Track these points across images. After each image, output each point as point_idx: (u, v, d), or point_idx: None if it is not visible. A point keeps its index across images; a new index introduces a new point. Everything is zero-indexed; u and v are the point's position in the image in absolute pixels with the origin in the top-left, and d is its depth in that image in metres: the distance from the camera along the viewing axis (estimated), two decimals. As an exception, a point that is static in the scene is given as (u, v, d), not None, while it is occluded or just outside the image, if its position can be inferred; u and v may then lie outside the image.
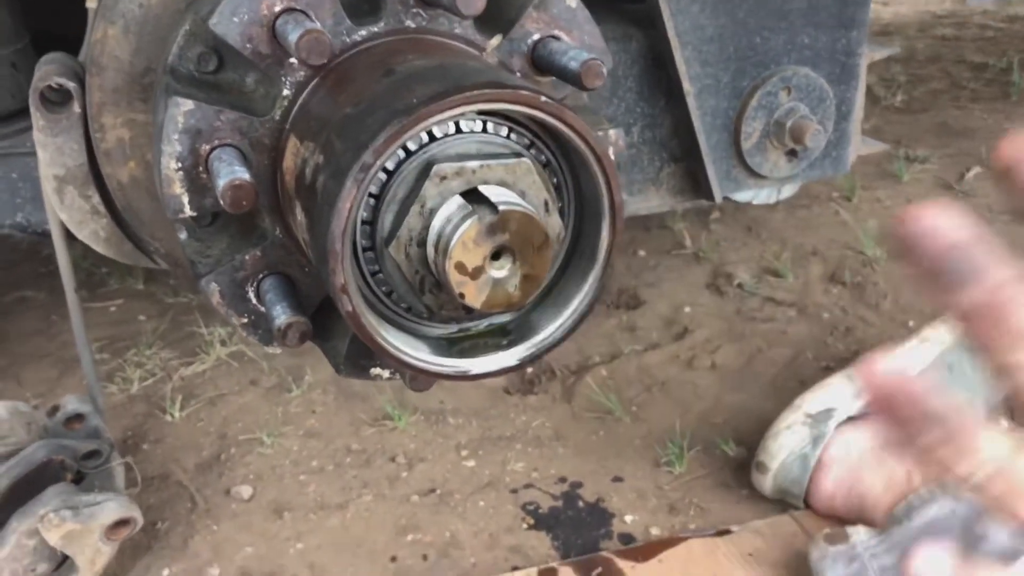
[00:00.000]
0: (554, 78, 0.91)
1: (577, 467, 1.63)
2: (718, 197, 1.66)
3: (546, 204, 0.76)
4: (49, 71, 1.02)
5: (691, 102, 1.58)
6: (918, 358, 1.52)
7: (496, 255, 0.73)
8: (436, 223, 0.72)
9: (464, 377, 0.78)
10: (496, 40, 0.87)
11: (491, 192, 0.72)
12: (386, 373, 0.94)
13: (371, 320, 0.75)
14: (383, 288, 0.79)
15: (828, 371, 1.83)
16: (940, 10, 4.25)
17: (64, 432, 1.41)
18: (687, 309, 2.07)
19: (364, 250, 0.77)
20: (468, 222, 0.70)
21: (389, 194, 0.73)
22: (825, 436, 1.43)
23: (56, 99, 1.03)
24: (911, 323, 1.97)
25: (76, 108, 1.02)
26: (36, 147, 1.05)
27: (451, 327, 0.83)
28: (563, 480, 1.61)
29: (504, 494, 1.59)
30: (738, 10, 1.56)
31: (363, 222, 0.75)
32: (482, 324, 0.83)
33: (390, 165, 0.73)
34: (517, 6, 0.88)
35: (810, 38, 1.63)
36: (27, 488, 1.28)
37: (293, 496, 1.59)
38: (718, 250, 2.30)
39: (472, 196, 0.73)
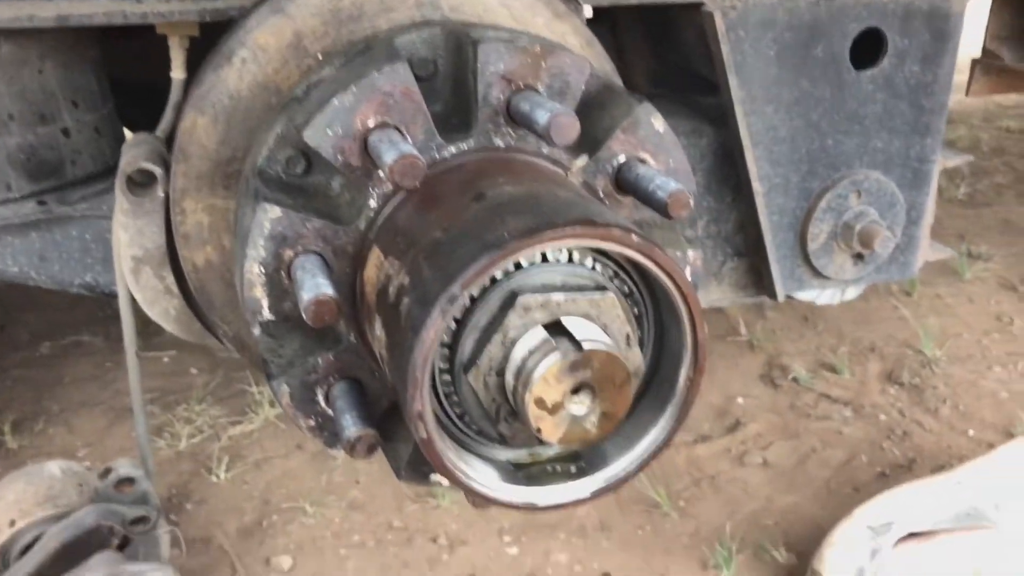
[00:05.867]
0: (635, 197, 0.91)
1: (622, 563, 1.60)
2: (781, 296, 1.64)
3: (627, 338, 0.75)
4: (136, 155, 1.04)
5: (759, 200, 1.57)
6: None
7: (576, 389, 0.72)
8: (517, 353, 0.72)
9: (531, 509, 0.77)
10: (582, 161, 0.87)
11: (575, 327, 0.71)
12: (446, 481, 0.93)
13: (443, 447, 0.74)
14: (456, 410, 0.78)
15: (883, 477, 1.78)
16: (1005, 100, 4.20)
17: (113, 495, 1.41)
18: (740, 400, 2.04)
19: (440, 371, 0.76)
20: (551, 358, 0.70)
21: (471, 320, 0.73)
22: (883, 549, 1.38)
23: (141, 181, 1.05)
24: (971, 432, 1.91)
25: (159, 192, 1.04)
26: (115, 227, 1.07)
27: (521, 451, 0.82)
28: (607, 576, 1.57)
29: (546, 587, 1.56)
30: (812, 112, 1.55)
31: (442, 344, 0.75)
32: (552, 449, 0.82)
33: (474, 291, 0.73)
34: (604, 127, 0.88)
35: (883, 143, 1.61)
36: (75, 552, 1.28)
37: (332, 571, 1.57)
38: (773, 339, 2.26)
39: (555, 328, 0.72)
